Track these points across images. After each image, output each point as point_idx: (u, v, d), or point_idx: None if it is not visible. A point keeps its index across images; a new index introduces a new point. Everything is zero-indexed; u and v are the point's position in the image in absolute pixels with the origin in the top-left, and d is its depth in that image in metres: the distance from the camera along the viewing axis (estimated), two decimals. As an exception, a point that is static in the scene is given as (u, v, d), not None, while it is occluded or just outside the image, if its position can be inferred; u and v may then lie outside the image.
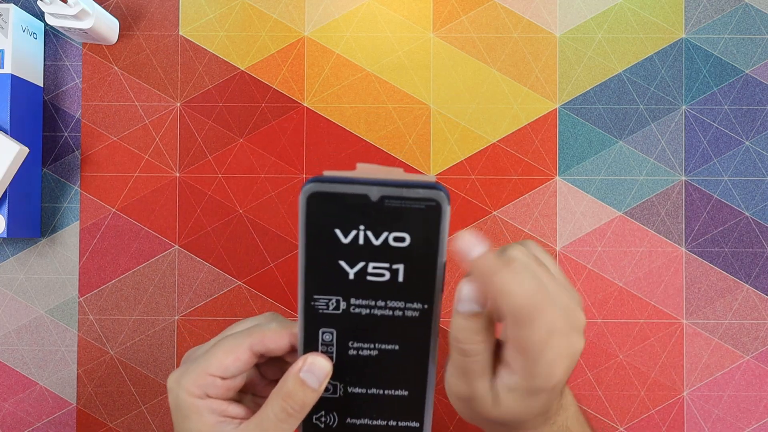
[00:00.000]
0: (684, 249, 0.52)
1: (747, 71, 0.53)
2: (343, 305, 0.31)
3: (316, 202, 0.28)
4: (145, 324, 0.52)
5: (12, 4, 0.49)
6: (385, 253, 0.29)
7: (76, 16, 0.47)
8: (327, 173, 0.28)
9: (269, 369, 0.35)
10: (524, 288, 0.29)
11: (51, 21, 0.48)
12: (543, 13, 0.53)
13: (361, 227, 0.29)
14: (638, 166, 0.53)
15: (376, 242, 0.29)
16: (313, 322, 0.31)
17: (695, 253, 0.52)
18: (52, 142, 0.53)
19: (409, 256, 0.29)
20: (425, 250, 0.29)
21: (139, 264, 0.52)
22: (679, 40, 0.53)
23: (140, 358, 0.52)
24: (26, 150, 0.47)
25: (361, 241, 0.29)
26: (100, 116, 0.53)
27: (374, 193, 0.28)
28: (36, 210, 0.51)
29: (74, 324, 0.52)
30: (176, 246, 0.52)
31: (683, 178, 0.53)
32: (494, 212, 0.52)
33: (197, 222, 0.52)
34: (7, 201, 0.48)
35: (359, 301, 0.31)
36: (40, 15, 0.53)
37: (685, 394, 0.52)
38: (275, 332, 0.32)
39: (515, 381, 0.31)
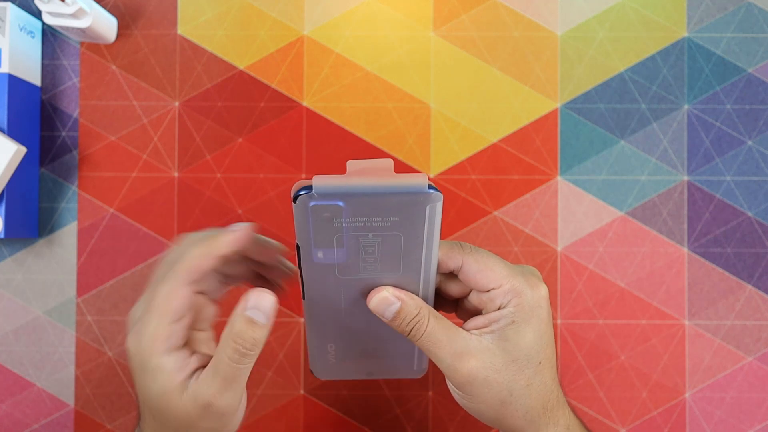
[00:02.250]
0: (686, 249, 0.52)
1: (750, 70, 0.52)
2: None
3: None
4: (143, 325, 0.52)
5: (9, 3, 0.49)
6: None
7: (74, 15, 0.47)
8: (317, 185, 0.29)
9: (227, 267, 0.36)
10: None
11: (49, 20, 0.48)
12: (544, 11, 0.53)
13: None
14: (640, 165, 0.52)
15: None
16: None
17: (698, 254, 0.52)
18: (50, 142, 0.52)
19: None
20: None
21: (138, 265, 0.52)
22: (681, 39, 0.53)
23: (138, 359, 0.52)
24: (24, 149, 0.47)
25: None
26: (98, 116, 0.52)
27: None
28: (33, 210, 0.51)
29: (72, 325, 0.52)
30: (175, 246, 0.52)
31: (685, 178, 0.52)
32: (495, 212, 0.52)
33: (196, 222, 0.52)
34: (4, 201, 0.47)
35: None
36: (37, 14, 0.52)
37: (687, 395, 0.52)
38: (200, 258, 0.33)
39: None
